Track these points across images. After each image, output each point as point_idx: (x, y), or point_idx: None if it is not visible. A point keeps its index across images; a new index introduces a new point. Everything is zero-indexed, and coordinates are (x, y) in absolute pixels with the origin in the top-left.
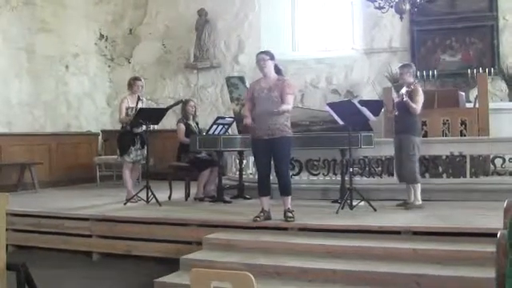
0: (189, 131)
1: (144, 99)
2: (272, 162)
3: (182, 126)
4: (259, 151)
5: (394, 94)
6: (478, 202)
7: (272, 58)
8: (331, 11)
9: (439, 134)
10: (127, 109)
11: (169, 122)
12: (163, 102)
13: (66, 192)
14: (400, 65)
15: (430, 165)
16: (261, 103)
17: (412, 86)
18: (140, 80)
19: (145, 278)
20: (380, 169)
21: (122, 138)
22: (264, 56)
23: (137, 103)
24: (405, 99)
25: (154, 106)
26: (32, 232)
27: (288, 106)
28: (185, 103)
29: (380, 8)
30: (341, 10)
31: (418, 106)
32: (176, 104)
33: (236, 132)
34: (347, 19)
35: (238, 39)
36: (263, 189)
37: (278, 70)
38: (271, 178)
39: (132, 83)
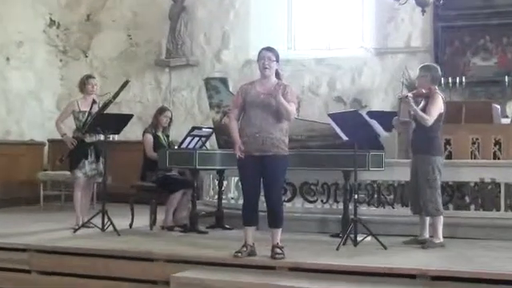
0: (157, 144)
1: (100, 102)
2: (261, 185)
3: (150, 137)
4: (247, 170)
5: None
6: None
7: (277, 59)
8: (336, 1)
9: (467, 155)
10: (78, 113)
11: (133, 131)
12: (126, 106)
13: (1, 215)
14: (421, 65)
15: (455, 193)
16: (255, 111)
17: (430, 91)
18: (94, 78)
19: None
20: (392, 197)
21: (73, 149)
22: (271, 55)
23: (91, 107)
24: (409, 94)
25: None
26: None
27: (294, 110)
28: (159, 111)
29: None
30: (348, 0)
31: (429, 116)
32: (122, 87)
33: (215, 146)
34: (356, 11)
35: (221, 32)
36: (248, 217)
37: (277, 74)
38: (259, 204)
39: (84, 83)
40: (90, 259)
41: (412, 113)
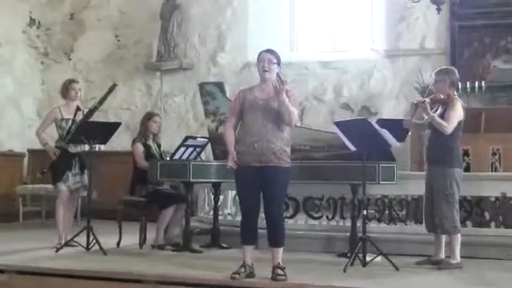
0: (148, 154)
1: (85, 109)
2: (261, 200)
3: (140, 147)
4: (245, 183)
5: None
6: None
7: (279, 62)
8: None
9: (487, 167)
10: (60, 121)
11: (120, 141)
12: (114, 113)
13: None
14: (437, 69)
15: (474, 209)
16: (254, 118)
17: (449, 97)
18: (77, 83)
19: None
20: (404, 213)
21: (55, 161)
22: (271, 57)
23: (75, 114)
24: (426, 100)
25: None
26: None
27: (296, 114)
28: (147, 117)
29: None
30: None
31: (449, 123)
32: (109, 92)
33: (211, 157)
34: (365, 10)
35: (217, 32)
36: (247, 235)
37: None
38: (258, 220)
39: (67, 88)
40: (73, 281)
41: (428, 120)
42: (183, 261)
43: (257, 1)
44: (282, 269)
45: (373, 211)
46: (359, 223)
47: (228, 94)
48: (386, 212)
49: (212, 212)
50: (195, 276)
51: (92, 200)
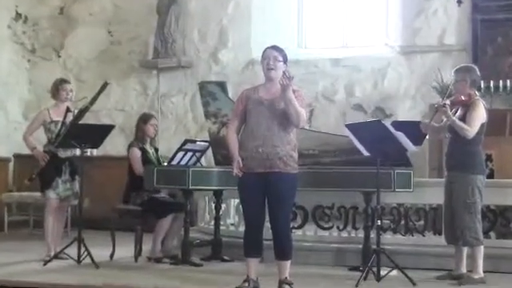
0: (144, 160)
1: (75, 111)
2: (266, 209)
3: (138, 152)
4: (249, 191)
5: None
6: None
7: (285, 60)
8: None
9: None
10: (49, 123)
11: (114, 144)
12: (107, 115)
13: None
14: (457, 68)
15: (498, 219)
16: (258, 120)
17: (470, 98)
18: (69, 83)
19: None
20: (422, 223)
21: (44, 166)
22: (277, 55)
23: (65, 116)
24: (446, 102)
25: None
26: None
27: (304, 115)
28: (143, 120)
29: None
30: None
31: (471, 127)
32: (101, 91)
33: (212, 162)
34: (379, 3)
35: (218, 27)
36: (251, 247)
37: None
38: (264, 231)
39: (58, 88)
40: None
41: (448, 123)
42: (182, 274)
43: None
44: (290, 284)
45: (388, 221)
46: (373, 234)
47: (230, 94)
48: (402, 222)
49: (213, 222)
50: None
51: (83, 208)
